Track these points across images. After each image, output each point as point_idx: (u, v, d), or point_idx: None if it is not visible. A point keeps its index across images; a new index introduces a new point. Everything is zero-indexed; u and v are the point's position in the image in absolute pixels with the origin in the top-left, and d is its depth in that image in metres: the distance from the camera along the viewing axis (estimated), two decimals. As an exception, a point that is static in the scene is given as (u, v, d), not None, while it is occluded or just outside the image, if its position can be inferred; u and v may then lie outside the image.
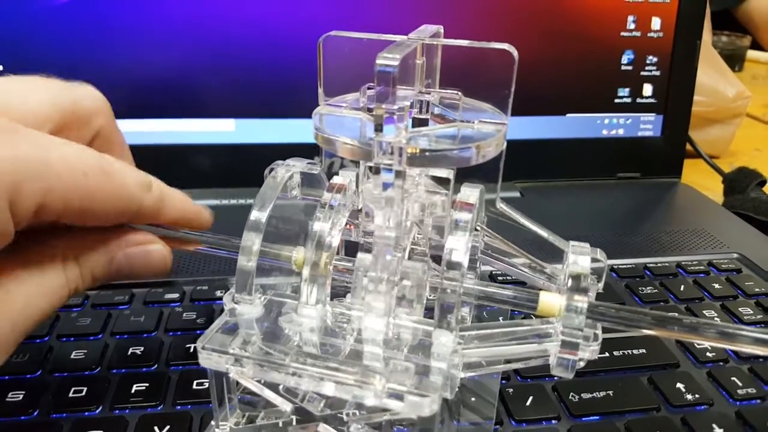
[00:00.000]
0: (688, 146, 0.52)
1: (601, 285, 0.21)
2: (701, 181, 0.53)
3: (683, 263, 0.37)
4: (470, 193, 0.20)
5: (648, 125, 0.48)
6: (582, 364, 0.20)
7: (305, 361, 0.20)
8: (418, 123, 0.22)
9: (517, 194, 0.46)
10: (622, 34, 0.46)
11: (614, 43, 0.46)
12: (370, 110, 0.19)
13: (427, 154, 0.19)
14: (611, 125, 0.48)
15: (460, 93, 0.22)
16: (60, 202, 0.20)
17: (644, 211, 0.46)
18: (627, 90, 0.47)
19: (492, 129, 0.21)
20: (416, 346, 0.20)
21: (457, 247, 0.19)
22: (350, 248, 0.23)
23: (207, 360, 0.21)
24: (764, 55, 1.06)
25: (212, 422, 0.23)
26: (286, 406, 0.22)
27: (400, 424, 0.22)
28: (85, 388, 0.26)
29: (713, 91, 0.58)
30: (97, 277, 0.23)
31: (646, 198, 0.48)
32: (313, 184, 0.23)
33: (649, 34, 0.46)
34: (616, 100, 0.47)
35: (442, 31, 0.22)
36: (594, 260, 0.20)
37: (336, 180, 0.22)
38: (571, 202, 0.46)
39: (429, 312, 0.21)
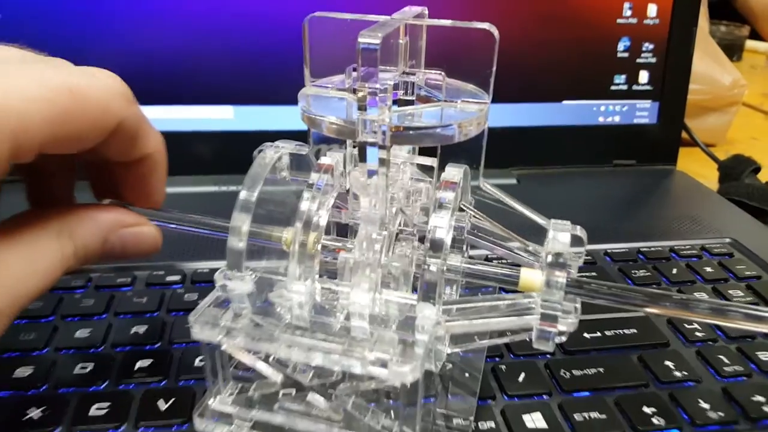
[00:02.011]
0: (685, 134, 0.53)
1: (580, 261, 0.21)
2: (697, 168, 0.53)
3: (676, 247, 0.38)
4: (454, 172, 0.21)
5: (644, 112, 0.49)
6: (563, 338, 0.21)
7: (294, 332, 0.21)
8: (404, 103, 0.23)
9: (514, 181, 0.47)
10: (619, 21, 0.46)
11: (610, 30, 0.46)
12: (355, 91, 0.19)
13: (410, 132, 0.20)
14: (607, 112, 0.48)
15: (443, 73, 0.22)
16: (34, 138, 0.20)
17: (640, 197, 0.47)
18: (623, 77, 0.48)
19: (474, 108, 0.21)
20: (404, 321, 0.21)
21: (440, 224, 0.20)
22: (341, 230, 0.24)
23: (199, 333, 0.21)
24: (763, 44, 1.06)
25: (206, 394, 0.24)
26: (276, 377, 0.23)
27: (389, 396, 0.23)
28: (91, 365, 0.27)
29: (710, 79, 0.58)
30: (90, 256, 0.24)
31: (641, 185, 0.48)
32: (301, 166, 0.24)
33: (645, 21, 0.47)
34: (613, 87, 0.48)
35: (426, 12, 0.22)
36: (574, 237, 0.21)
37: (324, 161, 0.22)
38: (568, 189, 0.47)
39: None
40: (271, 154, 0.23)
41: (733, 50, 1.04)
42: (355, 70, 0.20)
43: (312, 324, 0.22)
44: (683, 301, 0.21)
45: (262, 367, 0.23)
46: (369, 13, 0.22)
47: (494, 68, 0.21)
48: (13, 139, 0.19)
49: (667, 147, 0.50)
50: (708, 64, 0.58)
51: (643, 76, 0.48)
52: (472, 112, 0.21)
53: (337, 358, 0.20)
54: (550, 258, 0.21)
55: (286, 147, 0.24)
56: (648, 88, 0.48)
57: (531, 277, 0.22)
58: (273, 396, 0.24)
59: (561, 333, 0.21)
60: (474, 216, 0.24)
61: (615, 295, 0.20)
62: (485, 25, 0.20)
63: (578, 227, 0.22)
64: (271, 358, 0.23)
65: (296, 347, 0.21)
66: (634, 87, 0.48)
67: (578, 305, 0.20)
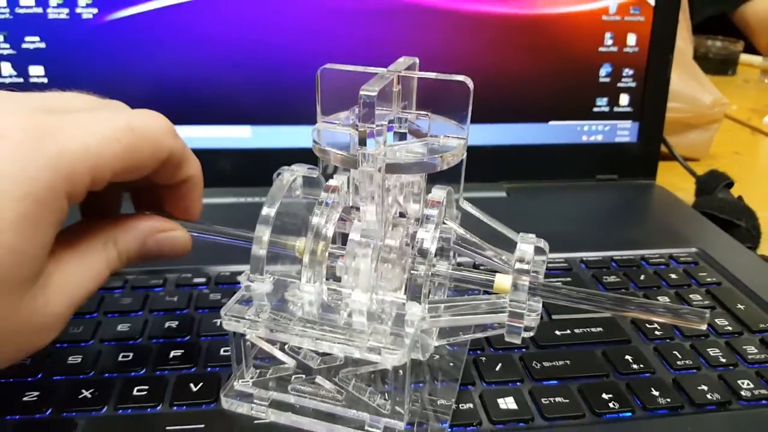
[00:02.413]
0: (668, 149, 0.57)
1: (543, 267, 0.26)
2: (678, 182, 0.57)
3: (646, 256, 0.42)
4: (439, 193, 0.26)
5: (625, 131, 0.53)
6: (531, 333, 0.25)
7: (305, 325, 0.25)
8: (399, 136, 0.27)
9: (503, 194, 0.52)
10: (600, 49, 0.51)
11: (593, 57, 0.51)
12: (356, 127, 0.24)
13: (401, 163, 0.24)
14: (591, 132, 0.53)
15: (429, 113, 0.27)
16: (106, 172, 0.24)
17: (619, 210, 0.51)
18: (605, 100, 0.52)
19: (455, 143, 0.26)
20: (397, 317, 0.26)
21: (426, 237, 0.24)
22: (345, 239, 0.28)
23: (228, 324, 0.26)
24: (757, 58, 1.10)
25: (231, 377, 0.28)
26: (290, 363, 0.27)
27: (384, 380, 0.27)
28: (131, 354, 0.32)
29: (691, 98, 0.62)
30: (131, 259, 0.28)
31: (622, 198, 0.52)
32: (312, 185, 0.29)
33: (625, 49, 0.51)
34: (595, 109, 0.52)
35: (417, 62, 0.27)
36: (537, 248, 0.25)
37: (331, 182, 0.27)
38: (553, 202, 0.51)
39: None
40: (287, 176, 0.28)
41: (727, 64, 1.08)
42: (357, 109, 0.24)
43: (320, 319, 0.26)
44: (617, 298, 0.25)
45: (278, 354, 0.27)
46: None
47: (470, 110, 0.26)
48: (92, 173, 0.24)
49: (646, 163, 0.54)
50: (689, 84, 0.62)
51: (624, 98, 0.52)
52: (453, 146, 0.26)
53: (339, 346, 0.25)
54: (517, 265, 0.25)
55: (300, 170, 0.28)
56: (628, 109, 0.53)
57: (503, 281, 0.26)
58: (286, 379, 0.28)
59: (527, 328, 0.25)
60: (458, 229, 0.29)
61: (565, 294, 0.25)
62: (461, 78, 0.25)
63: (542, 240, 0.26)
64: (286, 347, 0.28)
65: (307, 337, 0.25)
66: (616, 108, 0.52)
67: (540, 304, 0.25)
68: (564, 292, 0.25)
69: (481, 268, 0.39)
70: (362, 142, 0.24)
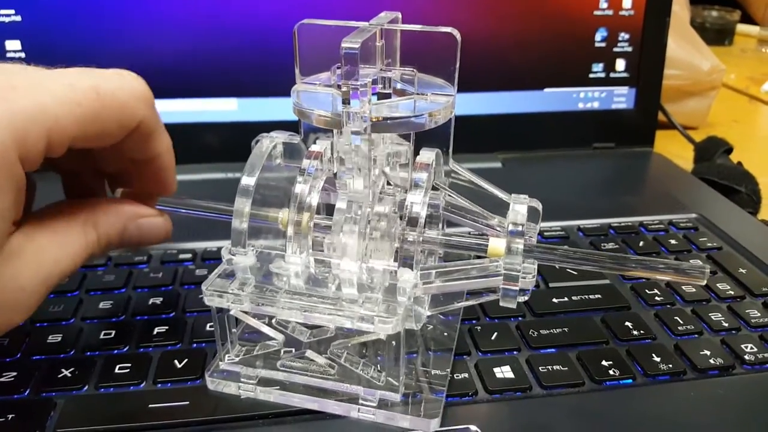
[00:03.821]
0: (666, 117, 0.56)
1: (537, 228, 0.24)
2: (676, 150, 0.56)
3: (645, 222, 0.41)
4: (428, 155, 0.24)
5: (621, 98, 0.52)
6: (525, 297, 0.24)
7: (293, 296, 0.24)
8: (383, 96, 0.26)
9: (498, 164, 0.50)
10: (595, 12, 0.49)
11: (588, 21, 0.49)
12: (339, 86, 0.23)
13: (388, 121, 0.23)
14: (587, 98, 0.51)
15: (415, 70, 0.26)
16: (64, 136, 0.22)
17: (617, 178, 0.50)
18: (601, 65, 0.51)
19: (443, 100, 0.24)
20: (388, 288, 0.24)
21: (416, 201, 0.23)
22: (330, 209, 0.27)
23: (211, 300, 0.25)
24: (754, 28, 1.08)
25: (216, 356, 0.27)
26: (278, 337, 0.26)
27: (377, 352, 0.26)
28: (113, 332, 0.30)
29: (689, 65, 0.61)
30: (111, 243, 0.27)
31: (619, 166, 0.51)
32: (293, 153, 0.27)
33: (620, 13, 0.49)
34: (591, 75, 0.51)
35: (399, 16, 0.25)
36: (531, 208, 0.24)
37: (313, 148, 0.26)
38: (550, 171, 0.50)
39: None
40: (267, 143, 0.26)
41: (724, 34, 1.06)
42: (339, 68, 0.23)
43: (308, 291, 0.25)
44: (617, 256, 0.24)
45: (265, 329, 0.26)
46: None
47: (458, 65, 0.24)
48: (47, 136, 0.22)
49: (643, 130, 0.53)
50: (687, 50, 0.61)
51: (620, 64, 0.51)
52: (441, 103, 0.25)
53: (330, 317, 0.24)
54: (510, 227, 0.24)
55: (280, 137, 0.27)
56: (625, 75, 0.51)
57: (497, 245, 0.25)
58: (275, 355, 0.27)
59: (522, 291, 0.24)
60: (448, 194, 0.28)
61: (562, 255, 0.24)
62: (448, 29, 0.23)
63: (535, 200, 0.25)
64: (273, 321, 0.27)
65: (295, 309, 0.24)
66: (612, 74, 0.51)
67: (534, 266, 0.24)
68: (561, 253, 0.24)
69: (472, 233, 0.38)
70: (346, 101, 0.23)
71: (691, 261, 0.37)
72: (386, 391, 0.25)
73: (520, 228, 0.24)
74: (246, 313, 0.26)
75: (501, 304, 0.24)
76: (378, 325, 0.23)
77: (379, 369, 0.26)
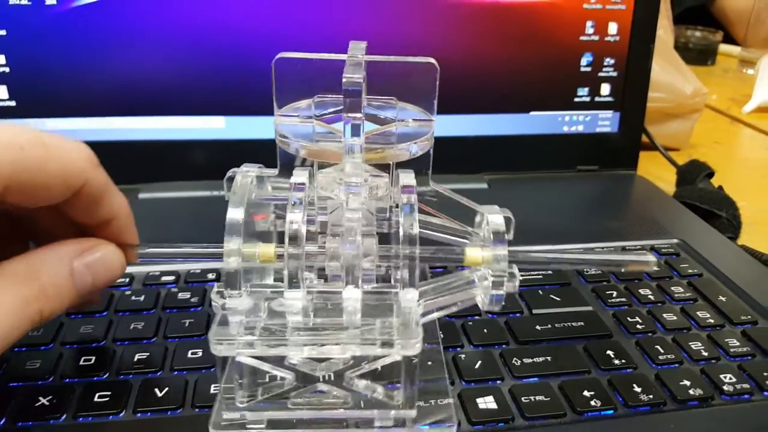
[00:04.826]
0: (649, 139, 0.57)
1: (510, 235, 0.25)
2: (658, 172, 0.57)
3: (628, 247, 0.42)
4: (408, 177, 0.25)
5: (606, 122, 0.52)
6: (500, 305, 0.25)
7: (305, 333, 0.23)
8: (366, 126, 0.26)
9: (484, 185, 0.51)
10: (582, 38, 0.50)
11: (574, 46, 0.50)
12: (317, 117, 0.23)
13: (384, 153, 0.23)
14: (571, 122, 0.52)
15: (395, 98, 0.26)
16: (1, 179, 0.20)
17: (600, 201, 0.50)
18: (586, 89, 0.51)
19: (425, 127, 0.25)
20: (396, 307, 0.24)
21: (411, 223, 0.23)
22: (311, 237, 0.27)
23: (218, 350, 0.23)
24: (736, 49, 1.10)
25: (218, 405, 0.25)
26: (288, 375, 0.25)
27: (390, 379, 0.26)
28: (93, 357, 0.30)
29: (672, 88, 0.62)
30: (62, 296, 0.23)
31: (603, 189, 0.52)
32: (262, 185, 0.27)
33: (606, 38, 0.50)
34: (576, 99, 0.51)
35: (365, 45, 0.25)
36: (505, 217, 0.25)
37: (296, 179, 0.25)
38: (534, 193, 0.50)
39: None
40: (240, 179, 0.26)
41: (707, 55, 1.08)
42: (320, 99, 0.23)
43: (316, 324, 0.24)
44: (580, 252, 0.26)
45: (276, 371, 0.25)
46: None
47: (437, 93, 0.25)
48: None
49: (627, 154, 0.53)
50: (671, 74, 0.62)
51: (605, 88, 0.51)
52: (424, 129, 0.25)
53: (351, 347, 0.23)
54: (492, 236, 0.25)
55: (252, 170, 0.26)
56: (609, 99, 0.52)
57: (474, 254, 0.25)
58: (284, 394, 0.26)
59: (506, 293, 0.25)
60: (421, 210, 0.28)
61: (532, 259, 0.26)
62: (428, 59, 0.24)
63: (506, 209, 0.26)
64: (285, 360, 0.25)
65: (311, 345, 0.23)
66: (597, 98, 0.52)
67: (516, 271, 0.25)
68: (534, 257, 0.25)
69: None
70: (355, 132, 0.23)
71: (673, 290, 0.37)
72: (402, 409, 0.25)
73: (501, 236, 0.24)
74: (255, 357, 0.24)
75: (486, 309, 0.25)
76: (398, 348, 0.23)
77: (391, 390, 0.25)
